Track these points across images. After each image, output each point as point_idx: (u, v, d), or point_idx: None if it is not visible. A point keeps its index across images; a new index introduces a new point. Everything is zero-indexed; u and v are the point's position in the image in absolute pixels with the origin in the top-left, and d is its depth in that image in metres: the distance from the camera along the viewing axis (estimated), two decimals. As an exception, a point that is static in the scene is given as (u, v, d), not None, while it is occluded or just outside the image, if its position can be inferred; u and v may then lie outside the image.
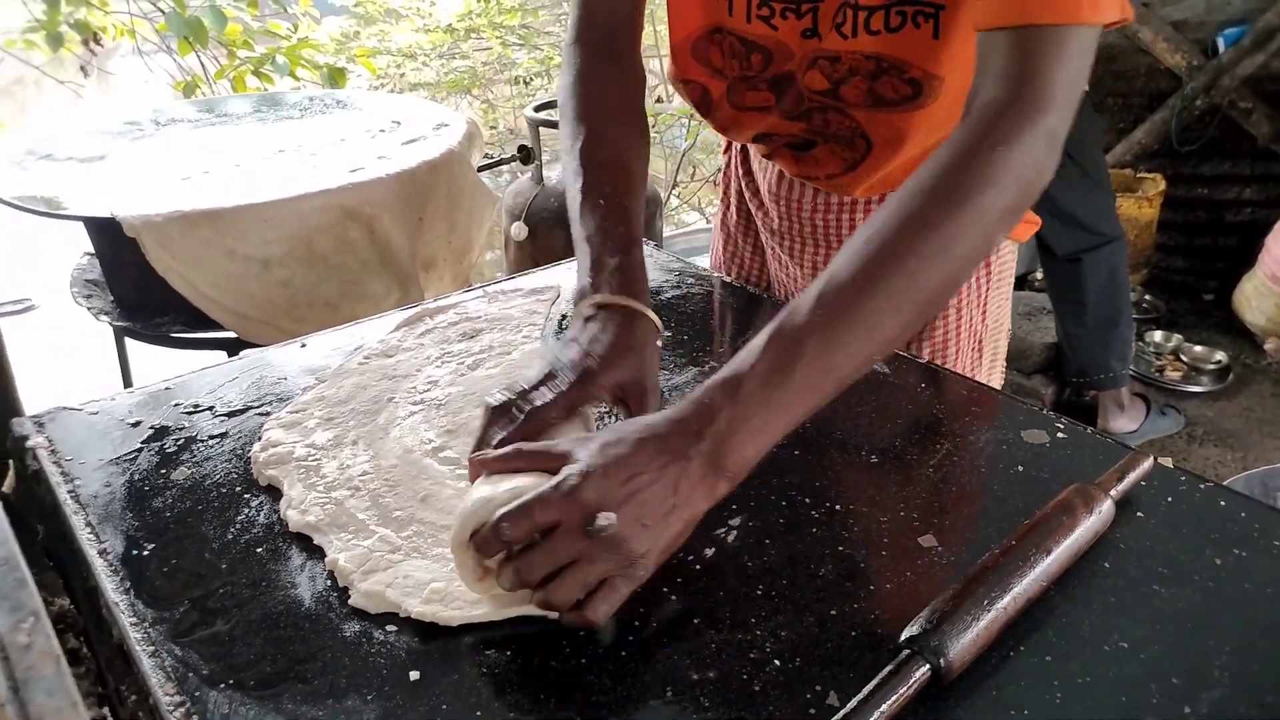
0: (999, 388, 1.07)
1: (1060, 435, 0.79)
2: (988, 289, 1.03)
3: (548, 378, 0.68)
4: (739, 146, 1.14)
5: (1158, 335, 2.72)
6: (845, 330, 0.61)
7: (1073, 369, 2.36)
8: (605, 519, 0.54)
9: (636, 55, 0.90)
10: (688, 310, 1.05)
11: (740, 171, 1.14)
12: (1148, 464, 0.71)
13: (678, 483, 0.57)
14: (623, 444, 0.58)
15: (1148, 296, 2.93)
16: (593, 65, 0.88)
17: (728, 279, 1.14)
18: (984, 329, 1.06)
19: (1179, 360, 2.63)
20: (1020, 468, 0.75)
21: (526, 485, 0.58)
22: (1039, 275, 2.81)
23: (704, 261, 1.25)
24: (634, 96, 0.89)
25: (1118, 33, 2.99)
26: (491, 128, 7.33)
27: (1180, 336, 2.70)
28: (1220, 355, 2.61)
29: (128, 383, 1.70)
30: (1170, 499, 0.70)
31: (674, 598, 0.62)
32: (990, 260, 1.02)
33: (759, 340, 0.62)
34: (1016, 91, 0.65)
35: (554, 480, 0.56)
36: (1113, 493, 0.66)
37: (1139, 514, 0.68)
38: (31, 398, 1.76)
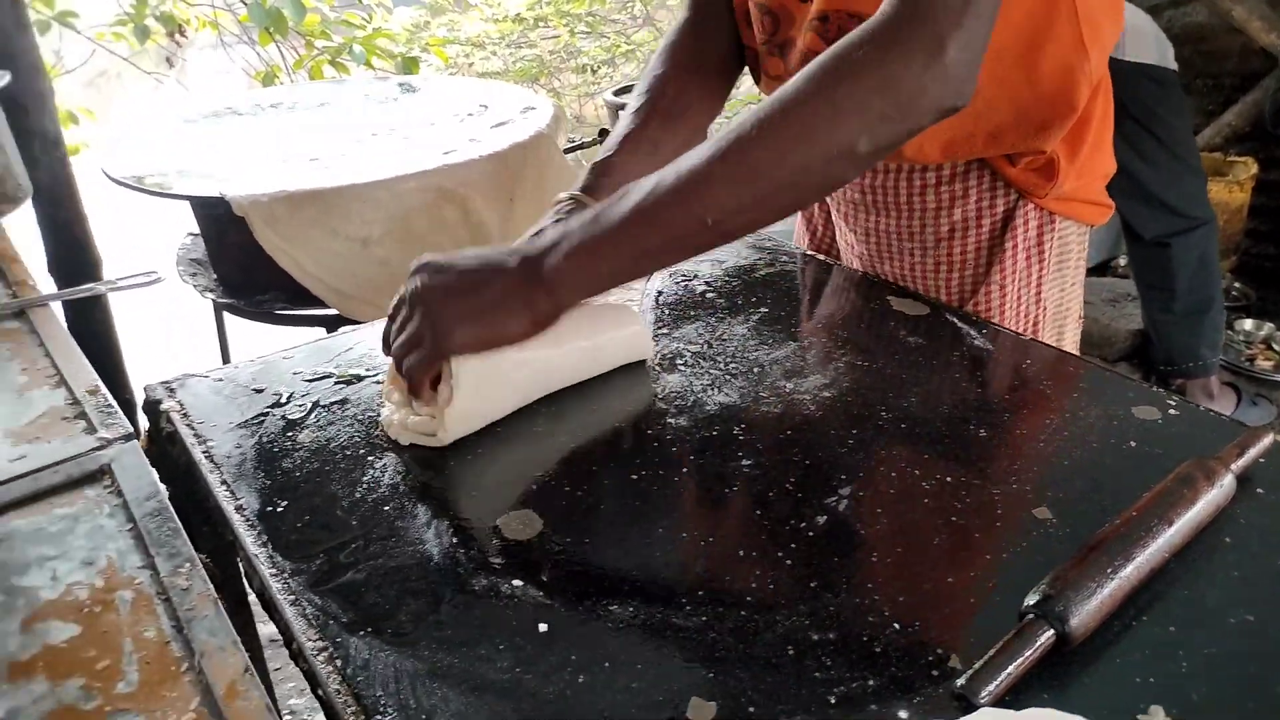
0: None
1: (1173, 412, 0.78)
2: (1040, 269, 1.01)
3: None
4: None
5: (1248, 324, 2.63)
6: (681, 189, 0.68)
7: (1160, 356, 2.30)
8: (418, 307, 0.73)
9: (724, 21, 1.02)
10: (783, 287, 1.05)
11: None
12: (1268, 440, 0.70)
13: (494, 279, 0.72)
14: (460, 255, 0.74)
15: (1237, 284, 2.83)
16: (687, 20, 1.03)
17: (810, 252, 1.15)
18: (1040, 312, 1.04)
19: (1270, 349, 2.55)
20: (1133, 443, 0.74)
21: None
22: (1123, 261, 2.74)
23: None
24: (707, 53, 1.02)
25: (1208, 12, 2.89)
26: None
27: (1272, 325, 2.61)
28: (1314, 345, 2.53)
29: (226, 357, 1.76)
30: (1292, 478, 0.69)
31: (789, 563, 0.63)
32: (1044, 241, 1.00)
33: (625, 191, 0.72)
34: (891, 8, 0.67)
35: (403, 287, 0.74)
36: (1234, 467, 0.66)
37: (1259, 490, 0.67)
38: (133, 370, 1.85)
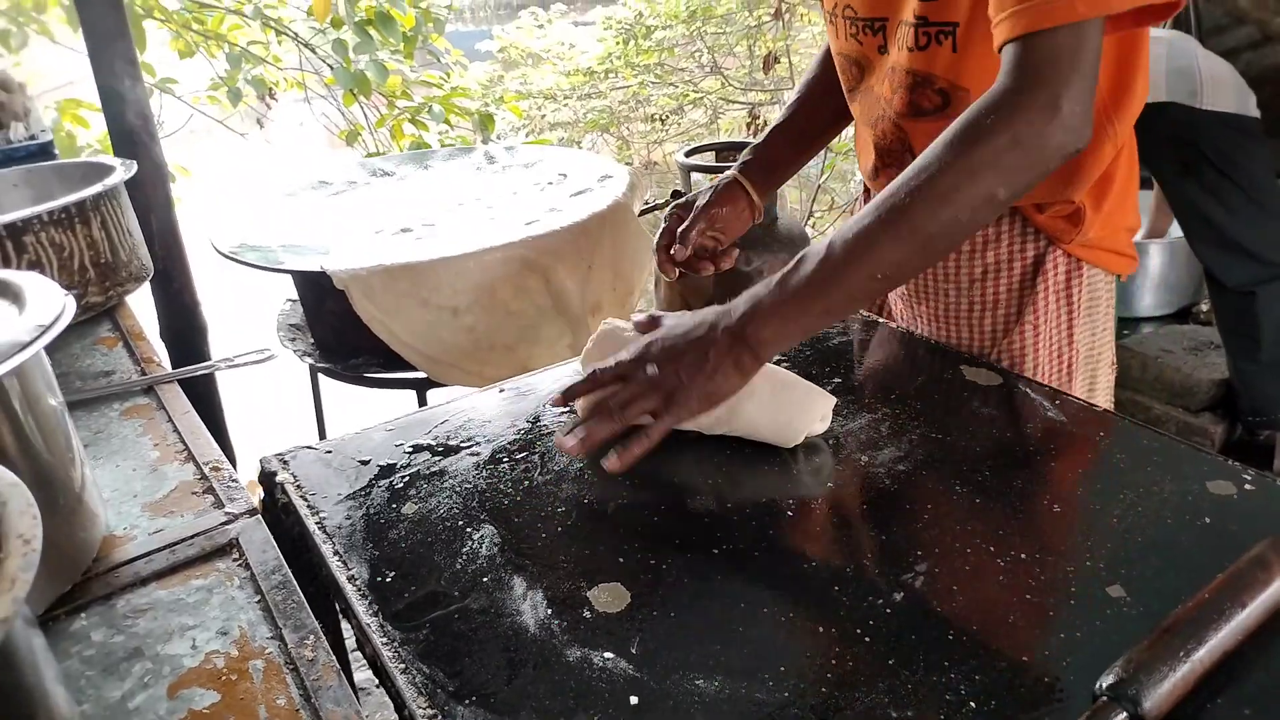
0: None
1: (1248, 487, 0.79)
2: (1070, 312, 1.08)
3: (690, 202, 1.18)
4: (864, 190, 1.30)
5: (1341, 371, 2.55)
6: (853, 251, 0.79)
7: (1246, 407, 2.25)
8: (651, 368, 0.83)
9: None
10: (855, 356, 1.09)
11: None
12: (1346, 520, 0.71)
13: (708, 350, 0.81)
14: (678, 325, 0.85)
15: (1328, 329, 2.75)
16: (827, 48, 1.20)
17: (875, 318, 1.20)
18: (1073, 353, 1.10)
19: (1365, 398, 2.46)
20: (1207, 519, 0.75)
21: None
22: (1204, 307, 2.68)
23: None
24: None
25: (1290, 52, 2.84)
26: (627, 163, 7.53)
27: (1366, 373, 2.52)
28: None
29: (320, 417, 1.86)
30: (1371, 556, 0.69)
31: (867, 639, 0.66)
32: (1072, 286, 1.07)
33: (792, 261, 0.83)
34: (1010, 80, 0.78)
35: (629, 351, 0.86)
36: (1309, 548, 0.67)
37: (1337, 571, 0.68)
38: (234, 428, 1.96)
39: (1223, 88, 2.11)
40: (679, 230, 1.14)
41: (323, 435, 1.85)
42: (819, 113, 1.22)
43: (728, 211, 1.15)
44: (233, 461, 1.78)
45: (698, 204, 1.15)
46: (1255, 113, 2.14)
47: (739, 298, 0.83)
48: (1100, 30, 0.78)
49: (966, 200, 0.77)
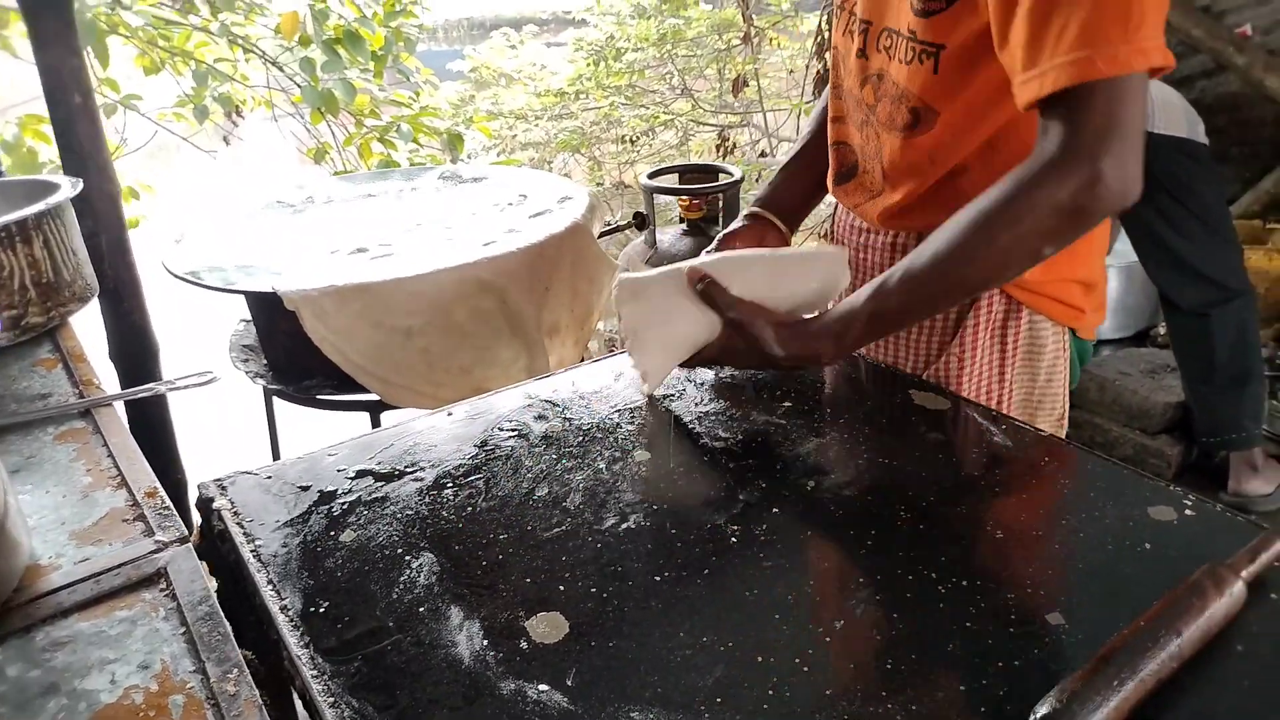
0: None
1: (1189, 512, 0.79)
2: (1002, 352, 1.10)
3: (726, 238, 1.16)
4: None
5: (1293, 392, 2.59)
6: (910, 297, 0.90)
7: (1202, 428, 2.28)
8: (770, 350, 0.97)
9: None
10: (807, 379, 1.08)
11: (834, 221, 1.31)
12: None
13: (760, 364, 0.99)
14: (797, 331, 0.96)
15: (1281, 352, 2.80)
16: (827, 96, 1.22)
17: None
18: (1004, 393, 1.11)
19: (1317, 419, 2.50)
20: (1147, 545, 0.76)
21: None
22: (1161, 330, 2.72)
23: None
24: None
25: (1241, 82, 2.91)
26: (598, 184, 7.54)
27: (1318, 395, 2.57)
28: (1362, 415, 2.48)
29: (274, 440, 1.83)
30: (1307, 582, 0.70)
31: (806, 669, 0.65)
32: (1008, 326, 1.08)
33: (863, 293, 0.93)
34: (1058, 145, 0.80)
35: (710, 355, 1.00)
36: (1244, 574, 0.67)
37: (1273, 595, 0.68)
38: (186, 448, 1.92)
39: (1173, 113, 2.15)
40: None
41: (276, 458, 1.81)
42: (825, 158, 1.22)
43: (758, 242, 1.17)
44: (183, 486, 1.75)
45: (711, 247, 1.16)
46: (1204, 139, 2.19)
47: (823, 324, 0.96)
48: (1146, 85, 0.78)
49: (1014, 263, 0.85)
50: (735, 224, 1.18)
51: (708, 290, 0.98)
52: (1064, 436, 1.15)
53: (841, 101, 1.14)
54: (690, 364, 1.02)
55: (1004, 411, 1.09)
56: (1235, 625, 0.65)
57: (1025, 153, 0.93)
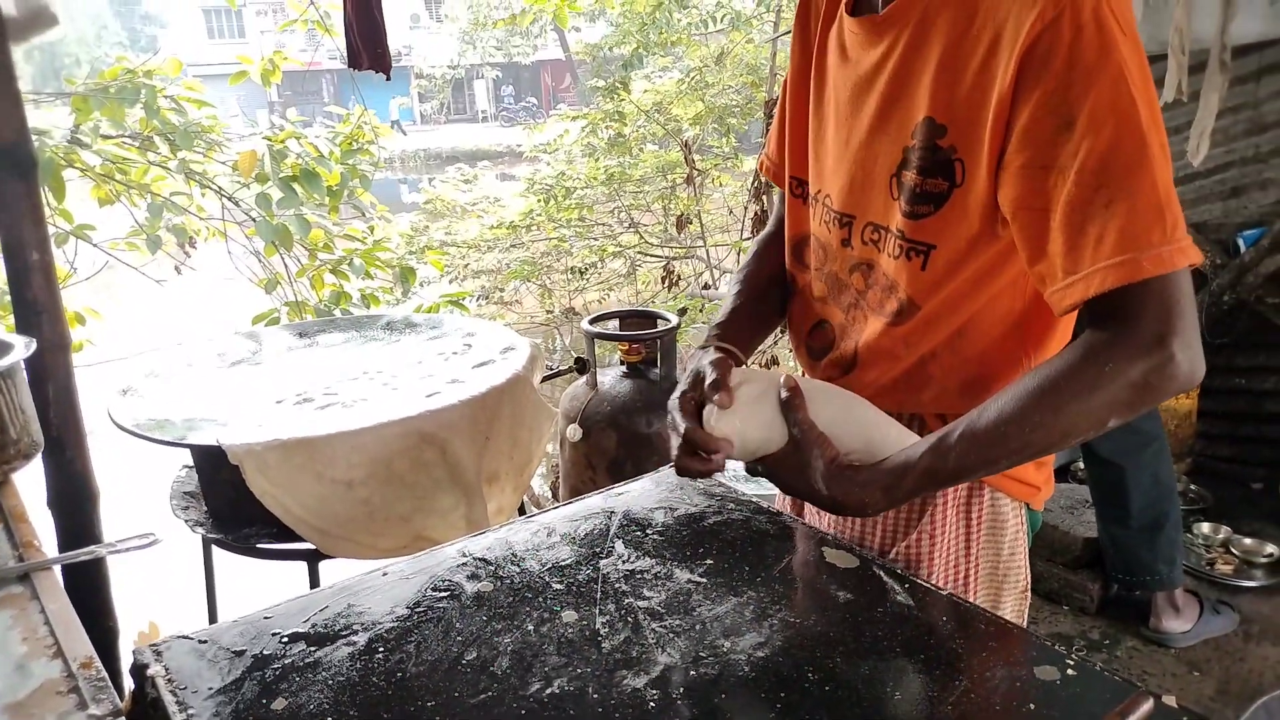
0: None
1: (1070, 673, 0.86)
2: (968, 529, 1.12)
3: (698, 377, 1.06)
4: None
5: (1206, 527, 2.71)
6: (970, 458, 0.91)
7: (1117, 567, 2.36)
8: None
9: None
10: (728, 537, 1.15)
11: None
12: (1147, 705, 0.78)
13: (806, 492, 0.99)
14: (848, 474, 0.97)
15: (1193, 486, 2.94)
16: (764, 242, 1.31)
17: (765, 506, 1.24)
18: (970, 567, 1.13)
19: (1230, 553, 2.61)
20: (1032, 705, 0.82)
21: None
22: (1080, 465, 2.85)
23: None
24: (778, 262, 1.27)
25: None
26: (548, 311, 7.70)
27: (1229, 528, 2.69)
28: (1272, 548, 2.59)
29: (211, 587, 1.82)
30: (1172, 740, 0.76)
31: (713, 835, 0.69)
32: (972, 504, 1.11)
33: (919, 447, 0.95)
34: (1126, 326, 0.85)
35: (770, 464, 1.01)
36: (1112, 736, 0.73)
37: (1142, 756, 0.74)
38: (122, 593, 1.90)
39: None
40: (712, 390, 1.02)
41: (213, 612, 1.81)
42: (768, 302, 1.26)
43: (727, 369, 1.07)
44: (113, 634, 1.73)
45: (710, 378, 1.03)
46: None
47: (885, 477, 0.95)
48: (1189, 279, 0.86)
49: (1080, 433, 0.88)
50: (711, 366, 1.05)
51: (790, 401, 0.98)
52: (1027, 605, 1.19)
53: (823, 284, 1.16)
54: (751, 467, 1.03)
55: (968, 586, 1.14)
56: (1104, 787, 0.71)
57: (992, 340, 1.02)
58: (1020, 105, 0.88)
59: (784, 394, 0.99)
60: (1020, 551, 1.15)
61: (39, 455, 1.31)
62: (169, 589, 2.48)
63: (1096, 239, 0.84)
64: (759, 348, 1.32)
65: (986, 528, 1.13)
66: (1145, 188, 0.84)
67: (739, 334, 1.19)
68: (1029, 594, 1.19)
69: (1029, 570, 1.18)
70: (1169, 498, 2.28)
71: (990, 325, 1.02)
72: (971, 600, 1.13)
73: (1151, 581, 2.28)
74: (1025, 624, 1.18)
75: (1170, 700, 0.81)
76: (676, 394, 1.07)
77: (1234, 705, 2.10)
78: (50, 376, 1.62)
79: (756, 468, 1.03)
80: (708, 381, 1.03)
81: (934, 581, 1.11)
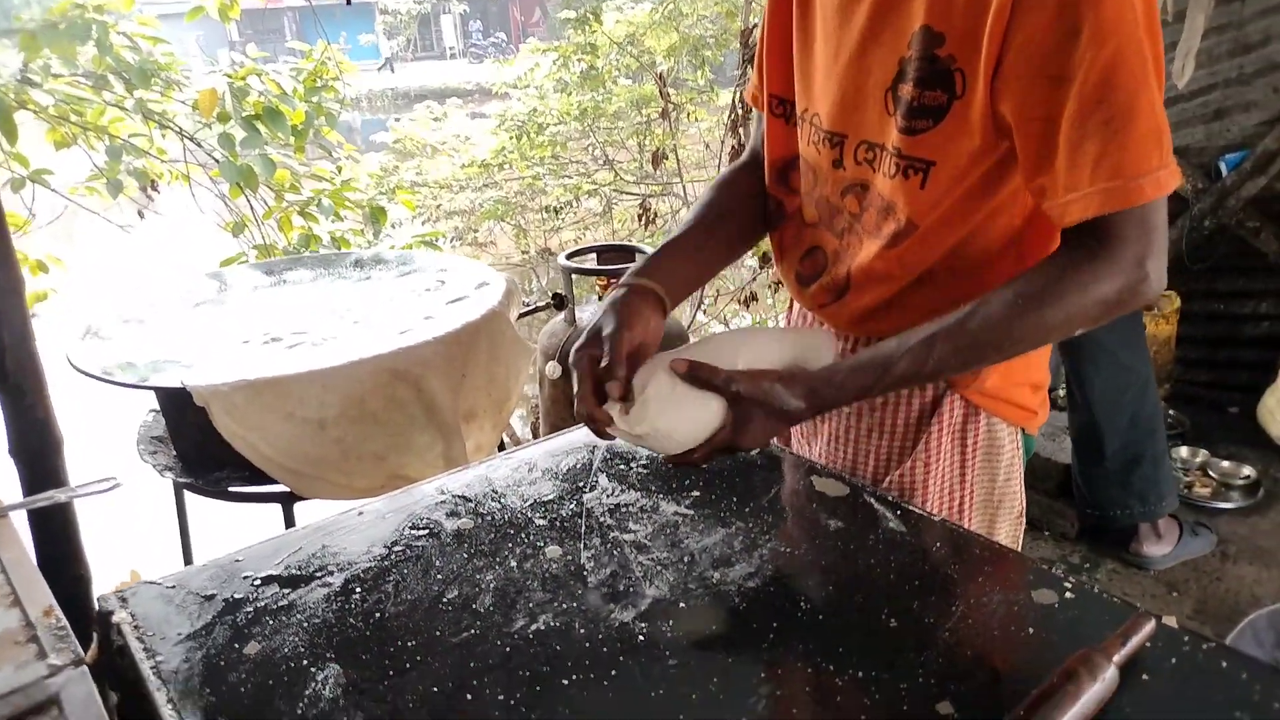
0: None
1: (1069, 595, 0.84)
2: (963, 455, 1.10)
3: (598, 333, 0.98)
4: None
5: (1184, 451, 2.73)
6: (944, 367, 0.92)
7: (1085, 500, 2.33)
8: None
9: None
10: (715, 468, 1.11)
11: (787, 317, 1.29)
12: (1150, 626, 0.76)
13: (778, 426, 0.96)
14: (761, 414, 0.94)
15: (1171, 411, 2.94)
16: (731, 172, 1.22)
17: None
18: (965, 494, 1.11)
19: (1207, 476, 2.63)
20: (1031, 630, 0.80)
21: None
22: (1061, 393, 2.84)
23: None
24: (756, 190, 1.19)
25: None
26: (524, 252, 7.60)
27: (1206, 452, 2.71)
28: (1249, 470, 2.61)
29: (184, 531, 1.78)
30: (1174, 660, 0.74)
31: (708, 769, 0.66)
32: (967, 430, 1.09)
33: (885, 345, 0.94)
34: (1106, 247, 0.85)
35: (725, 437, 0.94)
36: (1116, 658, 0.71)
37: (1144, 677, 0.73)
38: (92, 547, 1.86)
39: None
40: (606, 374, 0.95)
41: (188, 559, 1.77)
42: (717, 236, 1.15)
43: (641, 328, 1.00)
44: (85, 582, 1.69)
45: (606, 333, 0.97)
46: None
47: (809, 388, 0.93)
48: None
49: (1043, 341, 0.92)
50: (613, 314, 0.99)
51: (696, 375, 0.92)
52: (1022, 531, 1.18)
53: (814, 209, 1.10)
54: (699, 457, 0.95)
55: (963, 514, 1.12)
56: (1108, 709, 0.69)
57: (989, 257, 0.99)
58: (1023, 10, 0.83)
59: (683, 371, 0.93)
60: (1016, 477, 1.14)
61: (-7, 401, 1.25)
62: (151, 539, 2.44)
63: (1096, 158, 0.83)
64: (708, 284, 1.25)
65: (982, 453, 1.10)
66: (1144, 108, 0.82)
67: (670, 271, 1.07)
68: (1024, 519, 1.17)
69: (1024, 495, 1.16)
70: (1148, 437, 2.25)
71: (989, 242, 0.98)
72: (967, 526, 1.11)
73: (1122, 516, 2.27)
74: (1020, 549, 1.16)
75: (1170, 621, 0.79)
76: (575, 346, 0.99)
77: (1211, 624, 2.13)
78: (5, 321, 1.54)
79: (706, 456, 0.96)
80: (604, 358, 0.95)
81: (928, 509, 1.09)
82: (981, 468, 1.11)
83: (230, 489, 1.56)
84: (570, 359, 0.99)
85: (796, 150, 1.12)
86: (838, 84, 1.01)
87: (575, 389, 0.98)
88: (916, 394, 1.09)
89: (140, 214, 4.74)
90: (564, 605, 0.86)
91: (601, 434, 0.99)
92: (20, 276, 1.58)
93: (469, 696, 0.75)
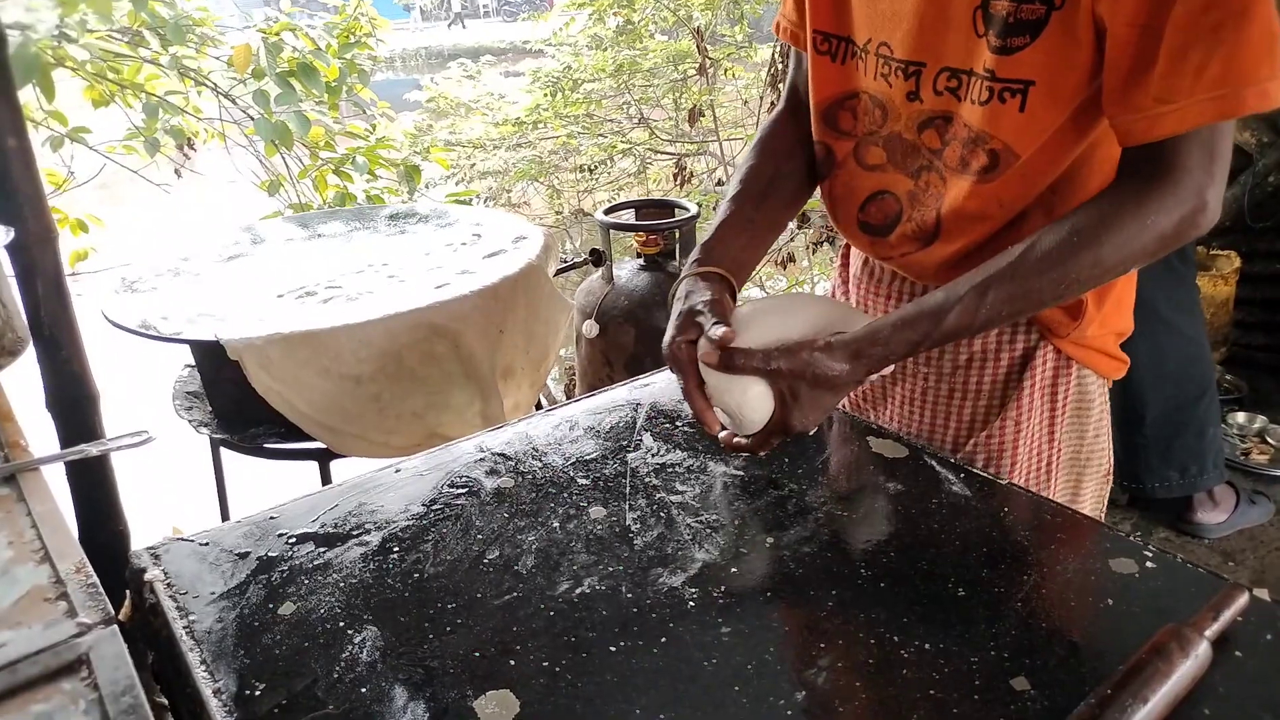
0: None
1: (1150, 565, 0.78)
2: (1052, 411, 1.04)
3: (691, 313, 0.92)
4: (841, 253, 1.22)
5: (1241, 417, 2.62)
6: (995, 315, 0.85)
7: (1124, 475, 2.21)
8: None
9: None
10: (765, 428, 1.06)
11: (840, 274, 1.22)
12: (1243, 599, 0.71)
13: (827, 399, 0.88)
14: (806, 387, 0.86)
15: (1229, 376, 2.84)
16: (770, 127, 1.14)
17: None
18: (1053, 453, 1.06)
19: (1265, 443, 2.54)
20: (1110, 600, 0.74)
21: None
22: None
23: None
24: (801, 139, 1.11)
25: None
26: (557, 213, 7.53)
27: (1265, 418, 2.60)
28: (1309, 437, 2.52)
29: (221, 487, 1.77)
30: (1269, 636, 0.69)
31: (767, 744, 0.62)
32: (1058, 384, 1.03)
33: (907, 313, 0.87)
34: (1161, 175, 0.80)
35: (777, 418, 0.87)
36: (1208, 633, 0.66)
37: (1237, 653, 0.67)
38: (131, 504, 1.85)
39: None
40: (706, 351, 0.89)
41: (224, 511, 1.76)
42: (767, 204, 1.08)
43: (721, 308, 0.94)
44: (124, 537, 1.68)
45: (702, 302, 0.93)
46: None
47: (846, 353, 0.86)
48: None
49: (1100, 278, 0.84)
50: (703, 293, 0.95)
51: (731, 362, 0.86)
52: (1108, 491, 1.13)
53: (880, 148, 1.02)
54: (756, 444, 0.90)
55: (1050, 474, 1.06)
56: (1201, 687, 0.64)
57: (1080, 196, 0.91)
58: None
59: (716, 357, 0.87)
60: (1105, 433, 1.08)
61: (25, 352, 1.23)
62: (191, 496, 2.45)
63: (1198, 67, 0.75)
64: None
65: (1072, 409, 1.05)
66: (1258, 11, 0.73)
67: (728, 253, 1.02)
68: (1110, 478, 1.12)
69: (1112, 453, 1.10)
70: (1193, 406, 2.13)
71: (1087, 176, 0.91)
72: (1052, 488, 1.06)
73: (1160, 489, 2.17)
74: (1105, 509, 1.11)
75: (1262, 594, 0.74)
76: (668, 340, 0.93)
77: (1270, 596, 2.05)
78: (38, 271, 1.52)
79: (763, 444, 0.90)
80: (708, 331, 0.89)
81: (1016, 474, 1.04)
82: (1070, 424, 1.06)
83: (266, 445, 1.54)
84: (665, 353, 0.92)
85: (845, 89, 1.03)
86: (914, 8, 0.92)
87: (681, 385, 0.92)
88: (1006, 349, 1.03)
89: (177, 173, 4.75)
90: (609, 568, 0.82)
91: (710, 422, 0.92)
92: (53, 227, 1.55)
93: (512, 662, 0.71)
